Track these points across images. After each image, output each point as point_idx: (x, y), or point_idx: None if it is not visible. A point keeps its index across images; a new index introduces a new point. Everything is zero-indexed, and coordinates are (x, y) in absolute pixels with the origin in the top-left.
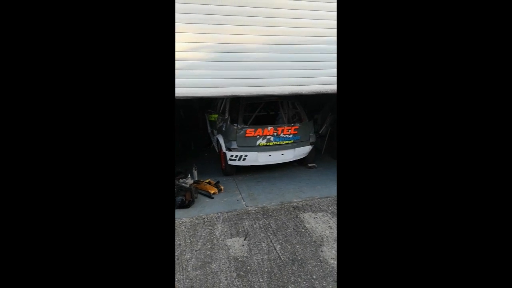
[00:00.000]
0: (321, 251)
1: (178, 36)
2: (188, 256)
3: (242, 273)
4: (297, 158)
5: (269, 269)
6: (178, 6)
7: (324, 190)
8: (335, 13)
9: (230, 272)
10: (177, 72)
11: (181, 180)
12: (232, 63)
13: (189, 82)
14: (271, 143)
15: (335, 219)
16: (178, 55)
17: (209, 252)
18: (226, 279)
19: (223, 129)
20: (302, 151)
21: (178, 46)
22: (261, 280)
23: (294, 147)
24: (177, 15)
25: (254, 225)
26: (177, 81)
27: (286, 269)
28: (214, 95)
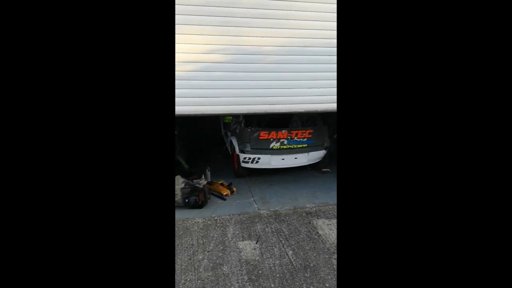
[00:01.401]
0: (335, 259)
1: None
2: (200, 257)
3: (254, 277)
4: (311, 163)
5: (281, 275)
6: (186, 8)
7: None
8: None
9: (241, 275)
10: (185, 91)
11: (195, 181)
12: (250, 65)
13: (198, 100)
14: (284, 147)
15: None
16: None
17: (221, 254)
18: (238, 282)
19: (237, 131)
20: (316, 156)
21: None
22: (272, 286)
23: (308, 151)
24: (183, 17)
25: (266, 229)
26: (185, 99)
27: (298, 275)
28: (227, 112)
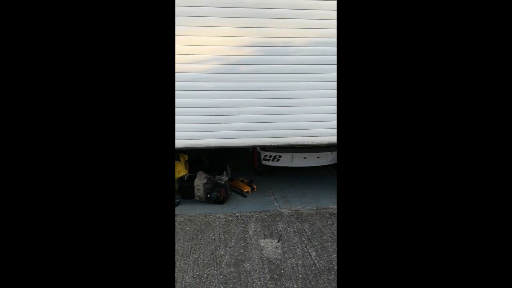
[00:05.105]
0: None
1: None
2: (222, 252)
3: (276, 276)
4: (334, 163)
5: (304, 276)
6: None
7: None
8: None
9: (263, 273)
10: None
11: (216, 177)
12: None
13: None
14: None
15: None
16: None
17: (242, 251)
18: (260, 280)
19: None
20: None
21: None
22: (295, 286)
23: (332, 151)
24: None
25: (288, 228)
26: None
27: (322, 278)
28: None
